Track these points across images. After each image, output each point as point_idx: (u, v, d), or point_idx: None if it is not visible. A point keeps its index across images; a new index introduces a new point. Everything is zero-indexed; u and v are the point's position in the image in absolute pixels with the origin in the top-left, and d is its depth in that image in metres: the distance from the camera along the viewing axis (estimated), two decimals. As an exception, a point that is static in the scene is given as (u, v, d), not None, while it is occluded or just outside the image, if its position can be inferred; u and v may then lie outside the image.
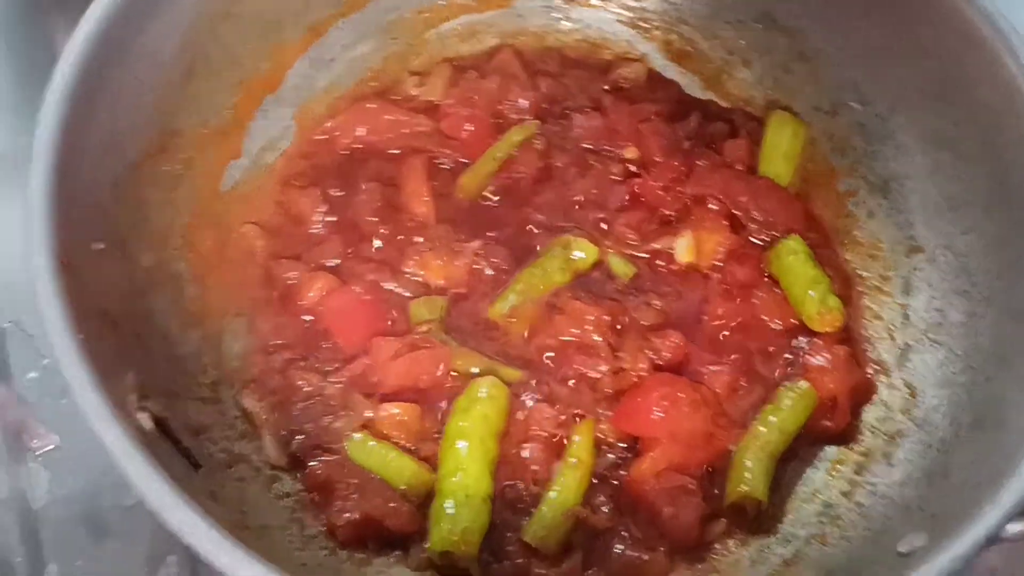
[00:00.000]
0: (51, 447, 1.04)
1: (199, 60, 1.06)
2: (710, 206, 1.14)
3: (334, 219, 1.13)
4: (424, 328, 1.05)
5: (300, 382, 1.01)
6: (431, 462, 0.98)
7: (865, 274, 1.14)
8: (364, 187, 1.13)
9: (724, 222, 1.13)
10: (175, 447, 0.86)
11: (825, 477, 1.02)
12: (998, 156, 1.01)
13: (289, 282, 1.08)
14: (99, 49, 0.92)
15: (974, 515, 0.78)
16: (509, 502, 0.97)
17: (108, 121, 0.95)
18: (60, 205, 0.85)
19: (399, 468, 0.97)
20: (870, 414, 1.05)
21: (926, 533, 0.83)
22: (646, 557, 0.96)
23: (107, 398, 0.75)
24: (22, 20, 1.31)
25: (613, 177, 1.17)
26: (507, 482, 0.98)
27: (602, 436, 1.00)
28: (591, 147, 1.19)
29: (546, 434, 1.00)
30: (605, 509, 0.97)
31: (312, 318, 1.07)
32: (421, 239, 1.11)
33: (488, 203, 1.15)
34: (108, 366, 0.81)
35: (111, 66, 0.94)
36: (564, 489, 0.96)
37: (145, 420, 0.80)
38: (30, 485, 1.03)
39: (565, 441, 1.00)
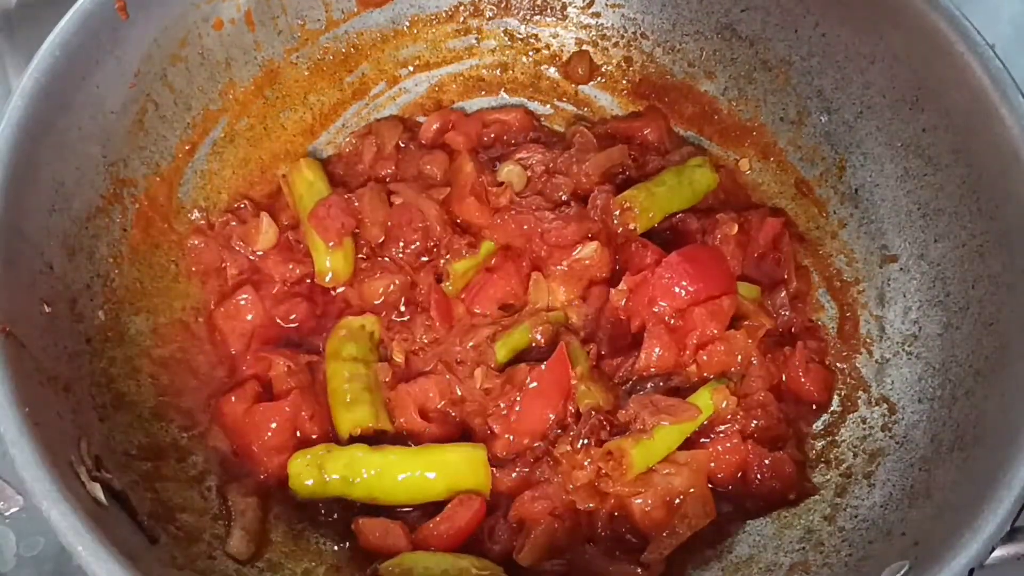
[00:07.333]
0: (16, 509, 1.02)
1: (148, 106, 1.04)
2: None
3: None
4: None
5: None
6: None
7: (839, 284, 1.12)
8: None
9: None
10: (132, 520, 0.83)
11: (807, 501, 0.99)
12: (968, 162, 0.99)
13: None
14: (40, 106, 0.90)
15: (956, 543, 0.76)
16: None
17: (53, 178, 0.92)
18: (2, 271, 0.83)
19: None
20: (850, 433, 1.02)
21: (908, 562, 0.81)
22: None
23: (54, 473, 0.73)
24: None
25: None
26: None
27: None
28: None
29: None
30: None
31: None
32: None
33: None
34: (58, 436, 0.79)
35: (53, 121, 0.92)
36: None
37: (97, 490, 0.78)
38: (-1, 547, 1.02)
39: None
